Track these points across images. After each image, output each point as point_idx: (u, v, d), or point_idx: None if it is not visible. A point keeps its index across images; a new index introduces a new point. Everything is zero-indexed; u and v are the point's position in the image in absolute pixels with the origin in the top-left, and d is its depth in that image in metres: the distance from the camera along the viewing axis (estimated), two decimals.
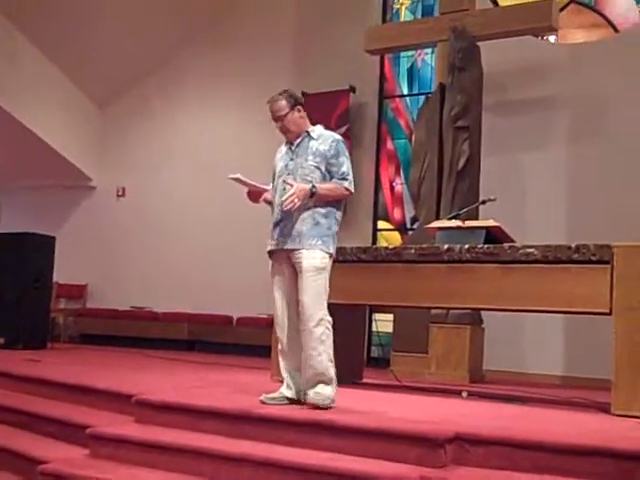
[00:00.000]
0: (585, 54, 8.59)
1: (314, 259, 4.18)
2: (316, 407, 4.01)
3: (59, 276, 9.94)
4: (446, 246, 5.17)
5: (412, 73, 10.22)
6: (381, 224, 10.07)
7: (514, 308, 5.10)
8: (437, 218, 7.33)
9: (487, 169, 7.90)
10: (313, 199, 4.20)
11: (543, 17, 7.63)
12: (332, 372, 4.16)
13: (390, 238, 9.98)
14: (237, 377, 6.29)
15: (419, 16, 10.03)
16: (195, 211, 10.98)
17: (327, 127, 4.57)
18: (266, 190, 4.43)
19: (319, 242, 4.21)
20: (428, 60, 9.96)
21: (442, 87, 8.04)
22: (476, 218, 6.58)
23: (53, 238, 9.08)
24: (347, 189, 4.33)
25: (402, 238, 9.71)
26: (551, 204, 8.48)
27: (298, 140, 4.39)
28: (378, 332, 7.59)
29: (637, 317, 4.49)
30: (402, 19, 10.20)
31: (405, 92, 10.24)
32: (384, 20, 10.23)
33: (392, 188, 10.05)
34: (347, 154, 4.40)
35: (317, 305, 4.14)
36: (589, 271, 4.67)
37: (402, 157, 10.01)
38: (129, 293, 11.15)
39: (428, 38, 8.35)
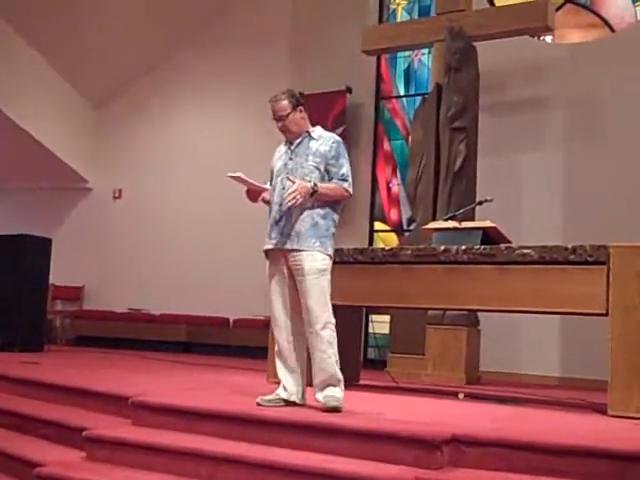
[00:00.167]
0: (581, 54, 8.61)
1: (315, 261, 4.17)
2: (329, 410, 4.01)
3: (56, 278, 9.93)
4: (443, 247, 5.16)
5: (409, 74, 10.23)
6: (378, 225, 10.08)
7: (511, 309, 5.10)
8: (434, 219, 7.33)
9: (484, 170, 7.90)
10: (313, 198, 4.19)
11: (539, 17, 7.64)
12: (340, 373, 4.18)
13: (387, 239, 9.99)
14: (234, 379, 6.28)
15: (415, 16, 10.05)
16: (192, 213, 10.97)
17: (324, 128, 4.56)
18: (265, 189, 4.42)
19: (317, 244, 4.20)
20: (425, 60, 9.97)
21: (439, 88, 8.05)
22: (473, 219, 6.59)
23: (49, 240, 9.06)
24: (347, 190, 4.33)
25: (399, 239, 9.72)
26: (548, 205, 8.49)
27: (298, 140, 4.38)
28: (375, 333, 7.59)
29: (633, 318, 4.49)
30: (398, 19, 10.22)
31: (402, 93, 10.25)
32: (380, 20, 10.24)
33: (389, 189, 10.05)
34: (347, 156, 4.40)
35: (323, 307, 4.14)
36: (585, 272, 4.67)
37: (399, 158, 10.02)
38: (126, 295, 11.14)
39: (424, 38, 8.36)
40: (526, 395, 5.71)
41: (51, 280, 9.36)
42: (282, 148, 4.49)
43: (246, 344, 9.63)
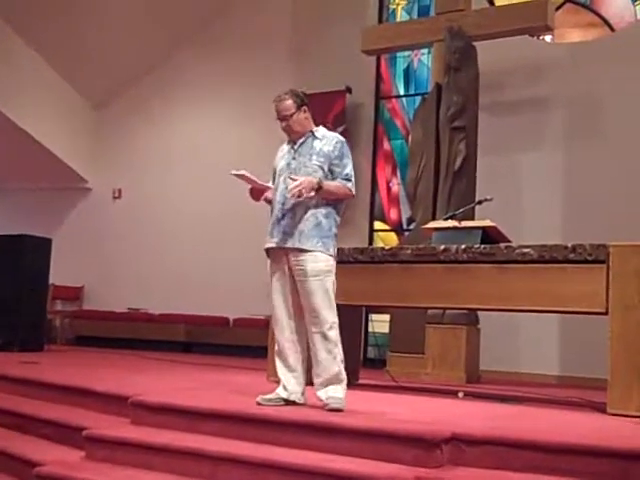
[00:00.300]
0: (581, 53, 8.61)
1: (317, 262, 4.16)
2: (332, 410, 4.01)
3: (55, 278, 9.92)
4: (442, 246, 5.17)
5: (408, 73, 10.23)
6: (377, 225, 10.07)
7: (510, 308, 5.10)
8: (433, 218, 7.33)
9: (483, 169, 7.91)
10: (317, 196, 4.19)
11: (539, 17, 7.64)
12: (344, 373, 4.19)
13: (386, 239, 9.99)
14: (233, 378, 6.28)
15: (415, 16, 10.04)
16: (192, 212, 10.97)
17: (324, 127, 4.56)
18: (269, 188, 4.40)
19: (319, 244, 4.19)
20: (424, 60, 9.97)
21: (438, 87, 8.05)
22: (472, 218, 6.58)
23: (49, 240, 9.06)
24: (350, 190, 4.33)
25: (399, 238, 9.72)
26: (547, 204, 8.50)
27: (302, 140, 4.37)
28: (374, 333, 7.59)
29: (633, 317, 4.49)
30: (398, 19, 10.21)
31: (401, 92, 10.25)
32: (380, 20, 10.24)
33: (389, 189, 10.05)
34: (350, 156, 4.40)
35: (328, 308, 4.15)
36: (585, 271, 4.67)
37: (398, 157, 10.01)
38: (125, 295, 11.13)
39: (424, 38, 8.36)
40: (526, 394, 5.72)
41: (51, 280, 9.37)
42: (285, 147, 4.48)
43: (246, 343, 9.63)
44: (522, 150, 8.72)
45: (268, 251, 4.35)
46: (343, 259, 5.30)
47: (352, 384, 5.76)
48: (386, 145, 10.17)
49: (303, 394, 4.29)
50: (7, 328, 8.38)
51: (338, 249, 4.65)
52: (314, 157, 4.28)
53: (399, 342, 7.60)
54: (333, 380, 4.15)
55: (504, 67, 8.66)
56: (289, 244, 4.20)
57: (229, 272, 10.33)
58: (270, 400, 4.19)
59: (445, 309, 6.96)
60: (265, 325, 7.13)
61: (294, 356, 4.26)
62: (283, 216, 4.24)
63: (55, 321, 10.97)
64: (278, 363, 4.32)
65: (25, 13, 10.09)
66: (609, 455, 3.16)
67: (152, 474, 3.69)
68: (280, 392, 4.24)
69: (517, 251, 4.90)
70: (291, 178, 4.18)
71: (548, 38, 9.06)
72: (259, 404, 4.15)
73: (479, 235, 5.18)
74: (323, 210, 4.25)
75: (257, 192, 4.46)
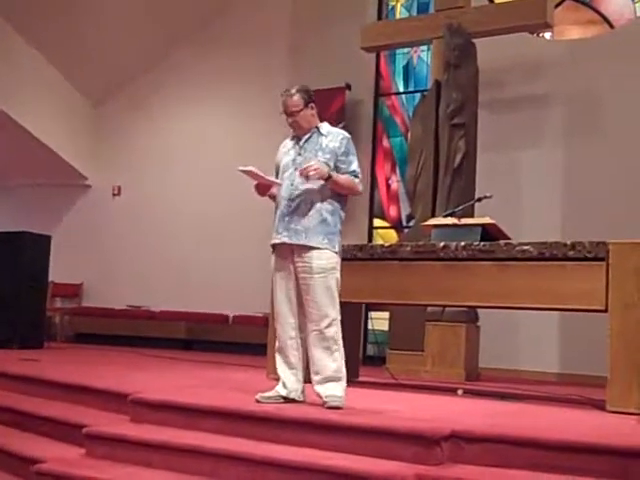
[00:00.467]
0: (581, 51, 8.60)
1: (322, 259, 4.16)
2: (331, 407, 4.01)
3: (55, 275, 9.91)
4: (442, 244, 5.17)
5: (408, 70, 10.22)
6: (377, 222, 10.07)
7: (510, 305, 5.11)
8: (433, 215, 7.33)
9: (483, 166, 7.90)
10: (325, 188, 4.19)
11: (538, 14, 7.63)
12: (344, 369, 4.19)
13: (386, 236, 9.99)
14: (233, 375, 6.28)
15: (414, 13, 10.04)
16: (191, 210, 10.97)
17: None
18: (277, 184, 4.36)
19: (325, 240, 4.19)
20: (424, 57, 9.96)
21: (438, 84, 8.04)
22: (472, 215, 6.59)
23: (49, 237, 9.05)
24: (357, 186, 4.35)
25: (398, 236, 9.72)
26: (547, 201, 8.50)
27: (307, 136, 4.36)
28: (374, 330, 7.59)
29: (632, 314, 4.50)
30: (397, 16, 10.20)
31: (401, 89, 10.24)
32: (379, 17, 10.23)
33: (388, 186, 10.05)
34: (355, 152, 4.41)
35: (329, 305, 4.14)
36: (585, 268, 4.68)
37: (398, 155, 10.01)
38: (125, 292, 11.13)
39: (423, 35, 8.35)
40: (525, 391, 5.72)
41: (50, 277, 9.35)
42: (288, 143, 4.46)
43: (246, 341, 9.63)
44: (522, 147, 8.72)
45: (273, 247, 4.33)
46: (342, 256, 5.29)
47: (351, 381, 5.76)
48: (385, 142, 10.16)
49: (302, 392, 4.29)
50: (6, 325, 8.37)
51: None
52: (320, 153, 4.27)
53: (398, 339, 7.60)
54: (332, 377, 4.15)
55: (504, 64, 8.65)
56: (295, 240, 4.19)
57: (229, 269, 10.34)
58: (269, 398, 4.19)
59: (445, 306, 6.96)
60: (264, 322, 7.14)
61: (295, 353, 4.26)
62: (289, 212, 4.23)
63: (54, 318, 10.97)
64: (278, 360, 4.31)
65: (25, 12, 10.08)
66: (609, 453, 3.17)
67: (152, 471, 3.69)
68: (279, 390, 4.24)
69: (517, 248, 4.90)
70: (304, 169, 4.14)
71: (547, 35, 9.06)
72: (258, 402, 4.15)
73: (479, 232, 5.18)
74: (329, 207, 4.25)
75: (263, 187, 4.41)
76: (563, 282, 4.71)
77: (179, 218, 11.06)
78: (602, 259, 4.62)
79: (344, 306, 4.37)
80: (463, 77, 7.82)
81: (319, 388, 4.17)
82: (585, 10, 9.01)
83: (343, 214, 4.36)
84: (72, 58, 10.88)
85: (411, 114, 9.20)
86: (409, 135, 8.79)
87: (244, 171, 4.31)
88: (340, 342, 4.18)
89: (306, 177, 4.12)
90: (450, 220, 5.50)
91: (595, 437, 3.42)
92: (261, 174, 4.33)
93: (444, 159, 7.77)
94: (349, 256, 5.38)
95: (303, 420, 3.72)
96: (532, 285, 4.81)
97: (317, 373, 4.17)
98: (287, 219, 4.23)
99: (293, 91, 4.33)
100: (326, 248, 4.19)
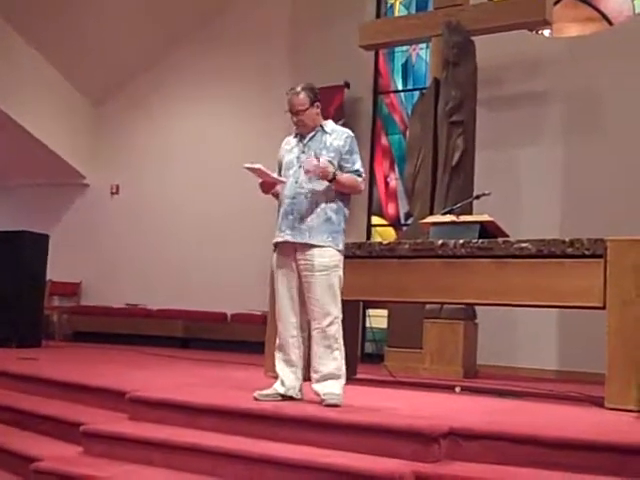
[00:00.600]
0: (580, 48, 8.60)
1: (325, 257, 4.17)
2: (329, 405, 4.01)
3: (53, 274, 9.91)
4: (440, 241, 5.17)
5: (406, 68, 10.22)
6: (375, 219, 10.07)
7: (508, 303, 5.10)
8: (431, 213, 7.33)
9: (481, 164, 7.90)
10: (328, 188, 4.20)
11: (537, 11, 7.62)
12: (344, 367, 4.20)
13: (384, 233, 9.99)
14: (231, 374, 6.28)
15: (413, 11, 10.03)
16: (190, 208, 10.96)
17: None
18: (282, 182, 4.33)
19: (329, 239, 4.20)
20: (422, 55, 9.96)
21: (437, 82, 8.04)
22: (470, 213, 6.58)
23: (47, 236, 9.05)
24: (360, 185, 4.37)
25: (396, 233, 9.72)
26: (545, 199, 8.49)
27: (311, 134, 4.35)
28: (372, 328, 7.59)
29: (630, 311, 4.50)
30: (396, 14, 10.19)
31: (399, 87, 10.24)
32: (378, 15, 10.22)
33: (386, 183, 10.05)
34: (358, 151, 4.41)
35: (331, 303, 4.15)
36: (583, 265, 4.67)
37: (396, 152, 10.01)
38: (123, 290, 11.13)
39: (422, 33, 8.34)
40: (524, 389, 5.72)
41: (48, 276, 9.36)
42: (291, 141, 4.45)
43: (244, 339, 9.63)
44: (520, 145, 8.72)
45: (276, 245, 4.33)
46: None
47: (350, 379, 5.77)
48: (384, 140, 10.16)
49: (301, 389, 4.29)
50: (5, 324, 8.36)
51: None
52: (324, 152, 4.27)
53: (397, 337, 7.60)
54: (331, 375, 4.15)
55: (502, 62, 8.65)
56: (299, 239, 4.19)
57: (227, 268, 10.33)
58: (267, 395, 4.19)
59: (443, 304, 6.96)
60: (263, 321, 7.13)
61: (295, 351, 4.26)
62: (292, 210, 4.22)
63: (53, 317, 10.97)
64: (278, 357, 4.31)
65: (25, 12, 10.07)
66: (607, 449, 3.17)
67: (150, 469, 3.69)
68: (277, 387, 4.24)
69: (515, 246, 4.90)
70: (312, 166, 4.14)
71: (546, 33, 9.05)
72: (256, 399, 4.15)
73: (477, 230, 5.18)
74: (333, 205, 4.26)
75: (268, 185, 4.39)
76: (561, 279, 4.71)
77: (177, 217, 11.05)
78: (600, 256, 4.62)
79: (342, 303, 4.36)
80: (462, 75, 7.81)
81: (317, 386, 4.17)
82: (584, 7, 9.00)
83: (347, 212, 4.37)
84: (71, 57, 10.87)
85: (410, 112, 9.19)
86: (408, 133, 8.78)
87: (250, 168, 4.28)
88: (341, 340, 4.18)
89: (308, 172, 4.11)
90: (448, 218, 5.50)
91: (593, 434, 3.43)
92: (267, 172, 4.31)
93: (443, 157, 7.76)
94: (348, 254, 5.33)
95: (301, 418, 3.72)
96: (530, 282, 4.81)
97: (316, 371, 4.18)
98: (291, 217, 4.22)
99: (299, 89, 4.31)
100: (329, 246, 4.19)
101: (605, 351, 4.57)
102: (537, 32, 9.02)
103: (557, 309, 6.82)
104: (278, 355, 4.32)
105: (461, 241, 5.08)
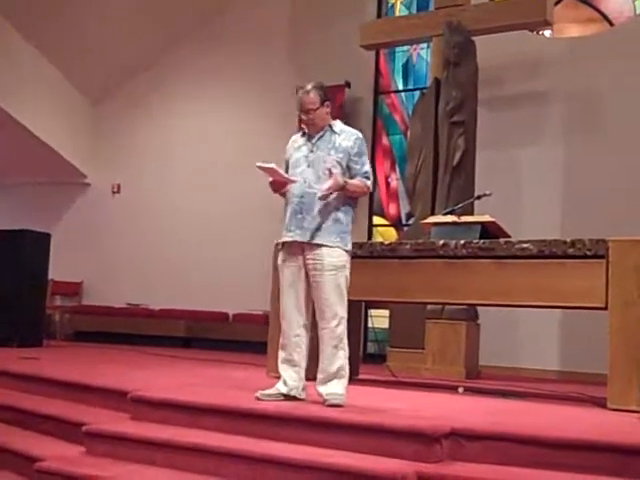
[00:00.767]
0: (580, 48, 8.60)
1: (334, 257, 4.18)
2: (332, 405, 4.02)
3: (54, 273, 9.91)
4: (442, 241, 5.17)
5: (407, 68, 10.22)
6: (376, 220, 10.07)
7: (510, 303, 5.11)
8: (432, 213, 7.33)
9: (482, 164, 7.90)
10: (338, 194, 4.21)
11: (538, 11, 7.62)
12: (347, 367, 4.21)
13: (385, 234, 9.99)
14: (233, 374, 6.28)
15: (414, 11, 10.03)
16: (191, 208, 10.97)
17: None
18: (294, 182, 4.30)
19: (337, 239, 4.21)
20: (423, 55, 9.96)
21: (437, 82, 8.04)
22: (471, 213, 6.59)
23: (48, 235, 9.06)
24: (368, 188, 4.39)
25: (398, 234, 9.72)
26: (547, 199, 8.49)
27: (320, 133, 4.35)
28: (374, 328, 7.58)
29: (632, 312, 4.50)
30: (397, 14, 10.19)
31: (400, 87, 10.24)
32: (379, 15, 10.22)
33: (387, 184, 10.05)
34: (367, 153, 4.43)
35: (339, 303, 4.17)
36: (584, 266, 4.68)
37: (397, 152, 10.01)
38: (125, 290, 11.13)
39: (423, 33, 8.34)
40: (526, 389, 5.72)
41: (50, 275, 9.36)
42: (299, 139, 4.45)
43: (245, 339, 9.63)
44: (521, 145, 8.72)
45: (283, 244, 4.33)
46: None
47: (352, 379, 5.77)
48: (385, 140, 10.16)
49: (303, 389, 4.29)
50: (6, 324, 8.36)
51: None
52: (332, 152, 4.28)
53: (399, 337, 7.60)
54: (335, 375, 4.16)
55: (503, 62, 8.65)
56: (308, 239, 4.19)
57: (228, 267, 10.34)
58: (270, 395, 4.20)
59: (444, 304, 6.96)
60: (265, 320, 7.13)
61: (299, 351, 4.26)
62: (301, 210, 4.23)
63: (54, 316, 10.96)
64: (281, 356, 4.31)
65: (25, 10, 10.06)
66: (609, 450, 3.17)
67: (152, 469, 3.69)
68: (280, 387, 4.25)
69: (516, 246, 4.90)
70: (329, 170, 4.15)
71: (547, 33, 9.05)
72: (259, 399, 4.16)
73: (478, 230, 5.19)
74: (342, 206, 4.27)
75: (279, 184, 4.36)
76: (563, 280, 4.71)
77: (179, 216, 11.05)
78: (602, 257, 4.62)
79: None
80: (463, 75, 7.81)
81: (321, 387, 4.18)
82: (585, 8, 9.00)
83: (353, 212, 4.39)
84: (71, 56, 10.87)
85: (410, 112, 9.19)
86: (408, 133, 8.78)
87: (263, 167, 4.26)
88: (345, 340, 4.20)
89: (325, 197, 4.15)
90: (450, 218, 5.50)
91: (596, 434, 3.43)
92: (280, 171, 4.30)
93: (443, 157, 7.76)
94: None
95: (303, 418, 3.72)
96: (532, 283, 4.82)
97: (323, 371, 4.19)
98: (299, 216, 4.23)
99: (309, 88, 4.31)
100: (338, 246, 4.20)
101: (607, 352, 4.58)
102: (538, 32, 9.02)
103: (559, 309, 6.83)
104: (281, 354, 4.32)
105: (462, 241, 5.08)
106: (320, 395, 4.16)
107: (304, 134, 4.42)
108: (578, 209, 8.19)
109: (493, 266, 4.96)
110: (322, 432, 3.59)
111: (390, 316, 7.81)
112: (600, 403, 4.70)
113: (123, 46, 10.94)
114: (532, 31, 8.81)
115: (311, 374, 4.30)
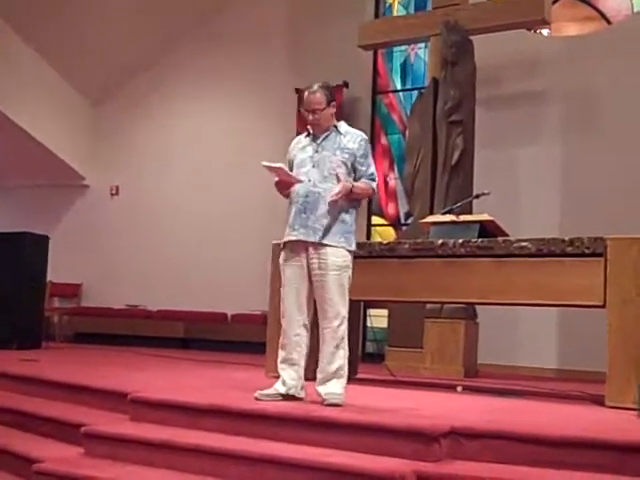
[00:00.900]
0: (578, 47, 8.60)
1: (338, 257, 4.19)
2: (331, 405, 4.02)
3: (53, 275, 9.91)
4: (440, 241, 5.17)
5: (405, 68, 10.22)
6: (375, 219, 10.07)
7: (508, 302, 5.12)
8: (431, 213, 7.33)
9: (481, 163, 7.91)
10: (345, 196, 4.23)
11: (536, 10, 7.63)
12: (347, 367, 4.22)
13: (384, 233, 9.99)
14: (232, 374, 6.28)
15: (412, 11, 10.04)
16: (189, 209, 10.97)
17: None
18: (300, 181, 4.29)
19: (342, 239, 4.22)
20: (421, 54, 9.96)
21: (435, 82, 8.04)
22: (470, 212, 6.59)
23: (47, 237, 9.05)
24: (374, 190, 4.43)
25: (396, 233, 9.72)
26: (545, 198, 8.50)
27: (325, 134, 4.36)
28: (373, 327, 7.59)
29: (630, 310, 4.50)
30: (395, 14, 10.20)
31: (398, 87, 10.24)
32: (377, 15, 10.22)
33: (386, 183, 10.05)
34: (371, 154, 4.46)
35: (342, 303, 4.18)
36: (583, 264, 4.68)
37: (396, 152, 10.02)
38: (123, 291, 11.13)
39: (421, 33, 8.35)
40: (524, 387, 5.72)
41: (49, 277, 9.36)
42: (303, 140, 4.45)
43: (244, 339, 9.63)
44: (519, 144, 8.72)
45: (285, 244, 4.33)
46: None
47: (350, 379, 5.76)
48: (383, 140, 10.16)
49: (302, 388, 4.29)
50: (5, 326, 8.36)
51: None
52: (338, 152, 4.29)
53: (397, 336, 7.61)
54: (334, 375, 4.17)
55: (501, 61, 8.65)
56: (312, 238, 4.19)
57: (227, 268, 10.34)
58: (268, 395, 4.20)
59: (443, 303, 6.96)
60: (263, 321, 7.14)
61: (299, 350, 4.26)
62: (305, 209, 4.23)
63: (53, 318, 10.96)
64: (281, 356, 4.31)
65: (23, 11, 10.06)
66: (608, 448, 3.18)
67: (151, 470, 3.69)
68: (278, 387, 4.25)
69: (515, 245, 4.91)
70: (338, 175, 4.17)
71: (545, 32, 9.06)
72: (257, 399, 4.16)
73: (477, 229, 5.19)
74: (346, 206, 4.28)
75: (285, 185, 4.35)
76: (561, 278, 4.72)
77: (177, 217, 11.05)
78: (600, 255, 4.63)
79: None
80: (460, 74, 7.81)
81: (320, 387, 4.18)
82: (582, 6, 9.01)
83: (356, 213, 4.41)
84: (70, 57, 10.86)
85: (409, 112, 9.20)
86: (407, 133, 8.79)
87: (270, 167, 4.25)
88: (346, 340, 4.21)
89: (334, 202, 4.15)
90: (448, 217, 5.51)
91: (594, 432, 3.43)
92: (288, 171, 4.29)
93: (442, 156, 7.77)
94: None
95: (302, 417, 3.72)
96: (530, 281, 4.82)
97: (323, 370, 4.19)
98: (304, 216, 4.23)
99: (315, 88, 4.33)
100: (342, 247, 4.21)
101: (605, 349, 4.58)
102: (535, 31, 9.02)
103: (557, 308, 6.83)
104: (281, 353, 4.32)
105: (461, 240, 5.09)
106: (319, 395, 4.16)
107: (308, 135, 4.43)
108: (576, 208, 8.19)
109: (492, 265, 4.96)
110: (321, 432, 3.59)
111: (389, 315, 7.81)
112: (598, 401, 4.70)
113: (122, 46, 10.94)
114: (530, 30, 8.82)
115: (310, 374, 4.30)
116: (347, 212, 4.28)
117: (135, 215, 11.41)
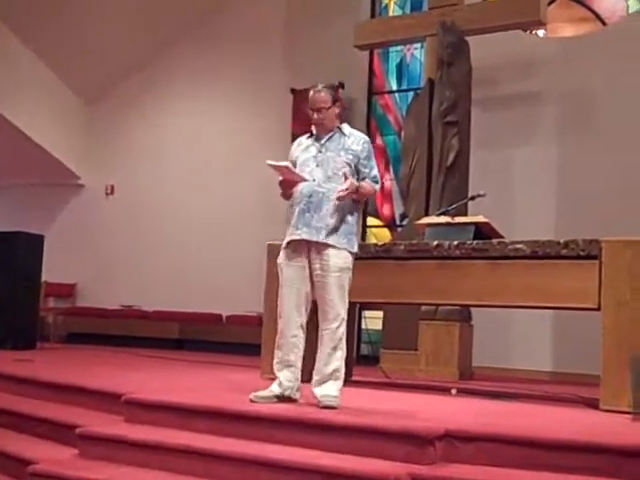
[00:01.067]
0: (573, 48, 8.62)
1: (340, 259, 4.19)
2: (326, 407, 4.02)
3: (48, 275, 9.88)
4: (435, 242, 5.17)
5: (401, 68, 10.22)
6: (370, 220, 10.07)
7: (503, 304, 5.12)
8: (426, 214, 7.33)
9: (476, 164, 7.91)
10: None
11: (532, 11, 7.64)
12: (344, 369, 4.23)
13: (379, 234, 9.99)
14: (227, 375, 6.27)
15: (408, 11, 10.04)
16: (184, 209, 10.95)
17: None
18: (305, 180, 4.27)
19: (345, 240, 4.22)
20: (417, 55, 9.97)
21: (431, 82, 8.05)
22: (465, 214, 6.59)
23: (42, 237, 9.03)
24: (376, 191, 4.46)
25: (391, 234, 9.72)
26: (540, 199, 8.51)
27: (329, 134, 4.36)
28: (367, 329, 7.60)
29: (625, 312, 4.50)
30: (391, 14, 10.20)
31: (394, 88, 10.25)
32: (373, 15, 10.23)
33: (381, 184, 10.01)
34: (374, 156, 4.46)
35: (342, 304, 4.18)
36: (577, 266, 4.68)
37: (391, 153, 10.02)
38: (118, 292, 11.11)
39: (417, 33, 8.36)
40: (519, 390, 5.73)
41: (43, 277, 9.33)
42: (305, 141, 4.45)
43: (239, 340, 9.60)
44: (515, 145, 8.73)
45: (288, 243, 4.31)
46: None
47: (345, 381, 5.76)
48: (379, 141, 10.16)
49: (298, 390, 4.28)
50: (0, 326, 8.34)
51: None
52: (342, 153, 4.30)
53: (392, 339, 7.60)
54: (330, 377, 4.16)
55: (497, 62, 8.66)
56: (315, 238, 4.18)
57: (222, 268, 10.32)
58: (263, 397, 4.19)
59: (438, 305, 6.96)
60: (258, 322, 7.11)
61: (296, 351, 4.25)
62: (309, 209, 4.22)
63: (48, 318, 10.93)
64: (277, 356, 4.29)
65: (20, 11, 10.04)
66: (602, 451, 3.17)
67: (146, 471, 3.68)
68: (274, 389, 4.24)
69: (510, 247, 4.91)
70: (345, 175, 4.18)
71: (540, 33, 9.07)
72: (252, 401, 4.15)
73: (472, 231, 5.19)
74: (349, 207, 4.28)
75: (290, 184, 4.32)
76: (556, 280, 4.72)
77: (173, 217, 11.04)
78: (595, 257, 4.63)
79: None
80: (456, 75, 7.82)
81: (316, 388, 4.18)
82: (578, 7, 9.03)
83: (358, 214, 4.43)
84: (65, 57, 10.85)
85: (404, 112, 9.20)
86: (402, 133, 8.79)
87: (275, 166, 4.23)
88: (344, 342, 4.21)
89: (341, 198, 4.15)
90: (443, 219, 5.51)
91: (588, 435, 3.43)
92: (293, 170, 4.27)
93: (437, 157, 7.77)
94: None
95: (296, 420, 3.72)
96: (525, 283, 4.82)
97: (319, 371, 4.19)
98: (307, 215, 4.21)
99: (320, 87, 4.36)
100: (344, 248, 4.22)
101: (600, 352, 4.58)
102: (531, 32, 9.04)
103: (552, 310, 6.84)
104: (278, 354, 4.30)
105: (456, 242, 5.09)
106: (315, 396, 4.16)
107: (310, 135, 4.44)
108: (571, 209, 8.20)
109: (487, 267, 4.96)
110: (315, 434, 3.58)
111: (384, 317, 7.80)
112: (593, 404, 4.70)
113: (118, 46, 10.93)
114: (525, 31, 8.83)
115: (307, 376, 4.29)
116: (350, 213, 4.28)
117: (130, 215, 11.39)
